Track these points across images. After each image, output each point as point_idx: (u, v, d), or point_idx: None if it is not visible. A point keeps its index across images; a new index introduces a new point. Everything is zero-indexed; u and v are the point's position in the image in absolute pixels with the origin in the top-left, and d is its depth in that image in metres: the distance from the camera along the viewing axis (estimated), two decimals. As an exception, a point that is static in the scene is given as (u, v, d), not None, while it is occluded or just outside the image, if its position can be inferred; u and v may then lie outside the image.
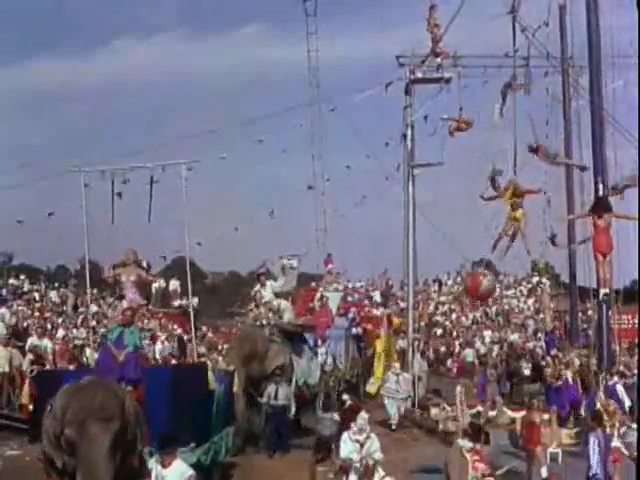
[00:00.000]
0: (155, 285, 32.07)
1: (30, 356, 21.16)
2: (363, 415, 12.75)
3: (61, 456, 6.13)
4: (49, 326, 25.73)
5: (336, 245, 30.81)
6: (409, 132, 24.52)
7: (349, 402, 17.05)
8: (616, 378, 19.51)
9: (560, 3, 25.08)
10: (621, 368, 20.79)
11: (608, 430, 12.95)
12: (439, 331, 34.87)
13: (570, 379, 19.87)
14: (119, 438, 7.17)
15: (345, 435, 12.51)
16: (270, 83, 52.70)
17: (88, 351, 20.33)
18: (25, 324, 25.91)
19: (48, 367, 20.92)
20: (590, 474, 11.77)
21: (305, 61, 29.87)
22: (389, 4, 56.14)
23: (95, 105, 65.54)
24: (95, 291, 30.47)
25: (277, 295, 20.36)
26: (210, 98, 68.02)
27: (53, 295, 32.05)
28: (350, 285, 37.59)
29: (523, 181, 22.00)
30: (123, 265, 15.60)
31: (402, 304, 31.10)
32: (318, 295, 25.50)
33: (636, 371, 20.00)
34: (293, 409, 17.69)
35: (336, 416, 16.50)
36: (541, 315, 33.39)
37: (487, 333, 31.53)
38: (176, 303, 32.70)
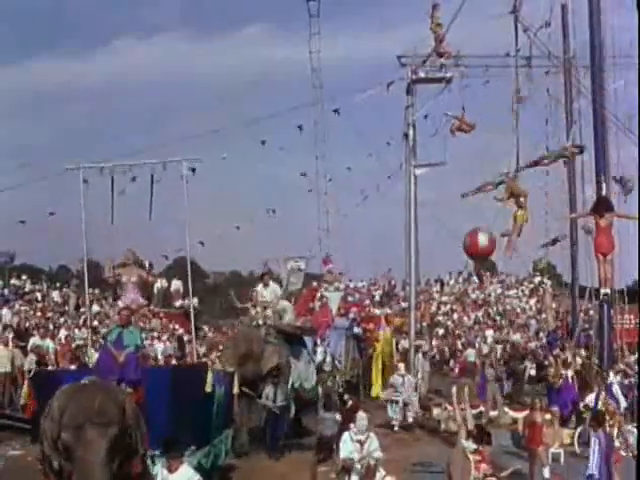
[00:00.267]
0: (157, 285, 32.10)
1: (32, 356, 21.18)
2: (362, 415, 12.76)
3: (58, 459, 6.10)
4: (51, 326, 25.73)
5: (338, 245, 30.82)
6: (411, 132, 24.53)
7: (350, 402, 17.07)
8: (612, 377, 19.55)
9: (562, 3, 25.08)
10: (622, 367, 20.81)
11: (608, 430, 12.96)
12: (441, 331, 34.83)
13: (570, 379, 19.87)
14: (117, 443, 7.18)
15: (345, 435, 12.52)
16: (273, 83, 52.75)
17: (91, 351, 20.32)
18: (27, 324, 25.94)
19: (50, 367, 20.98)
20: (587, 474, 11.77)
21: (308, 61, 29.89)
22: (390, 4, 56.17)
23: (96, 105, 65.66)
24: (97, 291, 30.53)
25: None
26: (212, 98, 68.17)
27: (55, 295, 32.05)
28: (352, 285, 37.63)
29: (524, 181, 22.07)
30: (123, 265, 15.55)
31: (404, 304, 31.10)
32: (318, 295, 25.48)
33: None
34: (293, 410, 17.63)
35: (338, 416, 16.51)
36: (543, 315, 33.38)
37: (489, 333, 31.50)
38: (178, 303, 32.72)
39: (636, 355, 21.98)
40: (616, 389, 18.55)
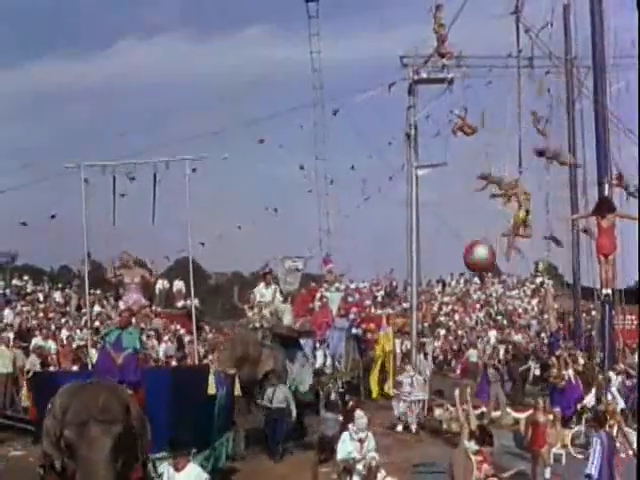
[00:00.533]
0: (159, 286, 32.11)
1: (34, 357, 21.18)
2: (360, 413, 12.77)
3: (60, 457, 6.08)
4: (53, 327, 25.73)
5: (339, 245, 30.83)
6: (412, 132, 24.52)
7: (351, 403, 17.06)
8: (614, 377, 19.54)
9: (564, 3, 25.10)
10: (622, 367, 20.80)
11: (608, 430, 12.95)
12: (442, 332, 34.84)
13: (572, 379, 19.85)
14: (121, 442, 7.15)
15: (345, 435, 12.52)
16: (273, 83, 52.64)
17: (92, 352, 20.31)
18: (29, 325, 25.94)
19: (52, 368, 20.99)
20: (585, 472, 11.76)
21: (308, 62, 29.89)
22: (391, 5, 56.23)
23: (97, 106, 65.55)
24: (98, 292, 30.52)
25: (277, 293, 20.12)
26: (213, 98, 68.09)
27: (57, 296, 32.05)
28: (353, 285, 37.63)
29: (525, 182, 22.06)
30: (125, 267, 15.37)
31: (405, 304, 31.09)
32: (318, 295, 25.44)
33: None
34: (294, 411, 17.59)
35: (339, 416, 16.51)
36: (545, 316, 33.35)
37: (492, 333, 31.52)
38: (180, 304, 32.73)
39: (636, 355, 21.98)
40: (613, 390, 18.53)
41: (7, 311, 26.57)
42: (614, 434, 13.00)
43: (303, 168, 28.84)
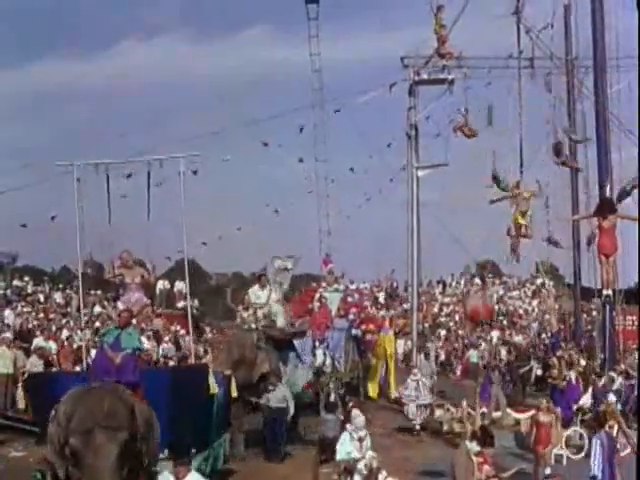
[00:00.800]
0: (160, 286, 32.10)
1: (35, 357, 21.17)
2: (357, 412, 12.78)
3: (64, 465, 5.97)
4: (53, 327, 25.73)
5: (340, 246, 30.81)
6: (413, 133, 24.52)
7: (351, 403, 17.04)
8: (616, 378, 19.53)
9: (565, 4, 25.09)
10: (623, 367, 20.81)
11: (609, 430, 12.96)
12: (443, 332, 34.83)
13: (574, 379, 19.85)
14: (127, 449, 7.03)
15: (344, 435, 12.51)
16: (273, 84, 52.62)
17: (93, 352, 20.29)
18: (29, 325, 25.94)
19: (54, 369, 20.98)
20: (590, 474, 11.79)
21: (309, 62, 29.85)
22: (392, 6, 56.19)
23: (97, 107, 65.49)
24: (99, 292, 30.53)
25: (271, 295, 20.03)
26: (213, 99, 68.06)
27: (57, 296, 32.07)
28: (354, 286, 37.59)
29: (527, 182, 22.07)
30: (125, 267, 15.17)
31: (406, 305, 31.07)
32: (317, 296, 25.38)
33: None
34: (292, 410, 17.55)
35: (340, 417, 16.49)
36: (546, 316, 33.34)
37: (495, 333, 31.51)
38: (180, 304, 32.70)
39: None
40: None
41: (8, 312, 26.57)
42: (614, 434, 13.02)
43: (302, 161, 28.69)
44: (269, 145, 27.15)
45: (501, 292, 41.66)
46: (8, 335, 22.60)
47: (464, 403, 13.46)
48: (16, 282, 32.85)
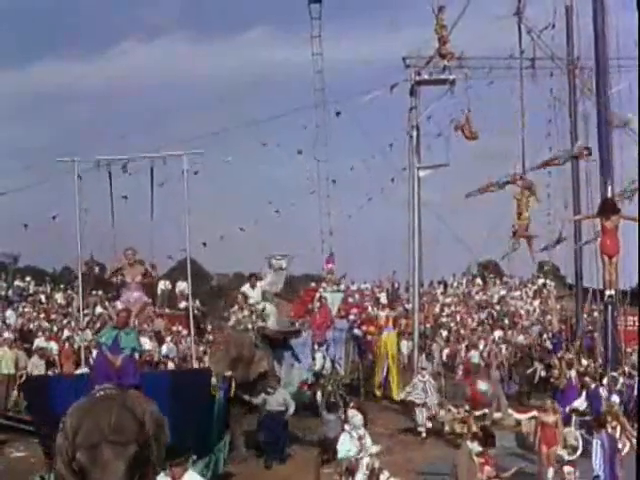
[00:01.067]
0: (161, 287, 32.10)
1: (36, 358, 21.19)
2: (353, 412, 12.75)
3: (73, 479, 5.84)
4: (55, 328, 25.75)
5: (342, 246, 30.76)
6: (414, 133, 24.51)
7: (352, 404, 17.02)
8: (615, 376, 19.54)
9: (566, 4, 25.09)
10: (626, 369, 20.80)
11: (610, 430, 12.96)
12: (444, 333, 34.79)
13: (574, 380, 19.84)
14: (136, 462, 6.86)
15: (343, 435, 12.50)
16: (274, 85, 52.59)
17: (94, 353, 20.29)
18: (31, 326, 25.96)
19: (56, 371, 21.00)
20: (593, 475, 11.81)
21: (310, 63, 29.84)
22: (394, 6, 56.00)
23: (98, 107, 65.47)
24: (100, 293, 30.53)
25: (264, 295, 19.97)
26: (213, 100, 68.00)
27: (59, 297, 32.09)
28: (355, 287, 37.56)
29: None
30: (128, 264, 14.93)
31: (407, 305, 31.05)
32: (317, 296, 25.34)
33: None
34: (291, 410, 17.51)
35: (342, 416, 16.46)
36: (548, 317, 33.32)
37: (497, 333, 31.49)
38: (182, 305, 32.70)
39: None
40: (601, 391, 18.52)
41: (9, 312, 26.59)
42: (617, 435, 13.03)
43: (301, 153, 28.54)
44: (270, 145, 27.14)
45: (502, 292, 41.65)
46: (10, 335, 22.65)
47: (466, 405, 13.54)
48: (18, 282, 32.88)
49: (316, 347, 22.64)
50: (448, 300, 40.60)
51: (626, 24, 20.77)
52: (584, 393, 19.04)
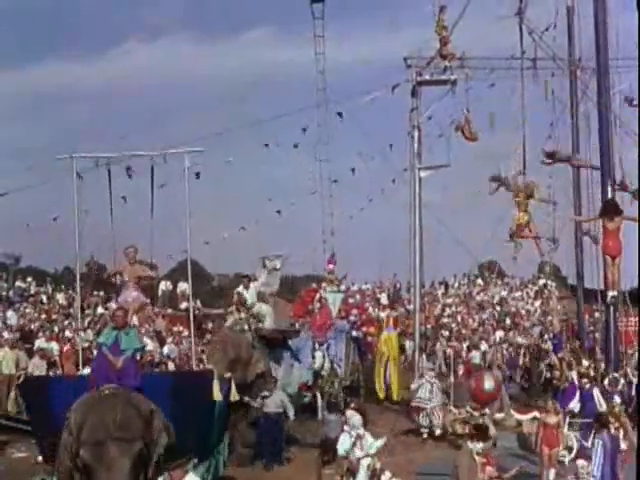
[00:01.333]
0: (162, 287, 32.09)
1: (37, 358, 21.19)
2: (351, 412, 12.73)
3: (77, 476, 5.78)
4: (56, 328, 25.75)
5: (343, 247, 30.74)
6: (416, 134, 24.50)
7: (352, 404, 17.00)
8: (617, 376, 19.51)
9: (567, 5, 25.08)
10: (628, 370, 20.79)
11: (613, 431, 12.94)
12: (446, 333, 34.79)
13: (575, 380, 19.83)
14: (141, 459, 6.72)
15: (343, 436, 12.49)
16: (276, 85, 52.65)
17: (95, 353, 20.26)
18: (32, 326, 25.97)
19: (57, 371, 20.98)
20: (592, 474, 11.78)
21: (312, 63, 29.84)
22: (395, 7, 56.03)
23: (99, 107, 65.46)
24: (102, 293, 30.54)
25: (259, 296, 19.95)
26: (215, 100, 68.03)
27: (60, 297, 32.08)
28: (356, 287, 37.54)
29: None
30: (129, 263, 14.74)
31: (409, 306, 31.04)
32: (317, 296, 25.32)
33: None
34: (291, 414, 17.45)
35: (343, 417, 16.44)
36: (549, 317, 33.33)
37: (499, 334, 31.51)
38: (183, 305, 32.69)
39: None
40: (597, 395, 18.50)
41: (10, 312, 26.59)
42: (620, 436, 13.01)
43: (297, 147, 28.48)
44: (272, 146, 27.13)
45: (503, 293, 41.66)
46: (11, 336, 22.65)
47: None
48: (19, 283, 32.89)
49: (316, 346, 22.62)
50: (449, 301, 40.61)
51: (627, 24, 20.78)
52: (577, 394, 19.02)
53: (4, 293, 30.94)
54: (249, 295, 19.36)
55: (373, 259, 36.34)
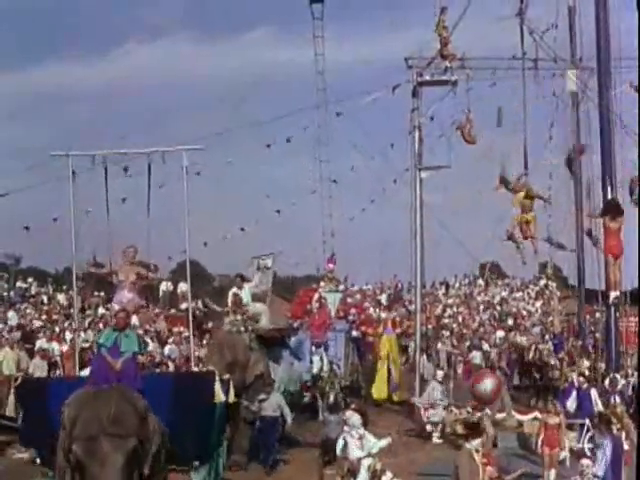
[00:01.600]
0: (163, 288, 32.11)
1: (38, 359, 21.17)
2: (350, 412, 12.72)
3: (71, 473, 5.70)
4: (57, 329, 25.74)
5: (343, 248, 30.74)
6: (416, 135, 24.48)
7: (353, 405, 16.99)
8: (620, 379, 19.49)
9: (569, 5, 25.08)
10: (629, 371, 20.78)
11: (616, 432, 12.93)
12: (447, 333, 34.80)
13: (575, 381, 19.82)
14: (135, 456, 6.59)
15: (342, 437, 12.48)
16: (276, 85, 52.55)
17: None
18: (33, 326, 25.96)
19: (58, 372, 20.98)
20: (595, 474, 11.78)
21: (312, 64, 29.83)
22: (396, 7, 55.90)
23: (99, 108, 65.44)
24: (102, 294, 30.53)
25: (254, 296, 19.90)
26: (215, 100, 67.97)
27: (61, 298, 32.09)
28: (356, 287, 37.55)
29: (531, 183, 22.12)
30: (128, 263, 14.56)
31: (410, 307, 31.03)
32: (316, 296, 25.29)
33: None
34: (289, 419, 17.42)
35: (343, 417, 16.42)
36: (550, 318, 33.33)
37: (499, 334, 31.50)
38: (183, 306, 32.69)
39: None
40: (594, 395, 18.49)
41: (11, 313, 26.58)
42: (623, 436, 13.00)
43: (289, 141, 28.41)
44: (272, 146, 27.11)
45: (504, 293, 41.67)
46: (11, 336, 22.64)
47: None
48: (20, 283, 32.91)
49: (314, 349, 22.57)
50: (450, 301, 40.62)
51: (628, 24, 20.77)
52: (574, 393, 19.01)
53: (5, 293, 30.95)
54: (244, 295, 19.31)
55: (373, 259, 36.32)
